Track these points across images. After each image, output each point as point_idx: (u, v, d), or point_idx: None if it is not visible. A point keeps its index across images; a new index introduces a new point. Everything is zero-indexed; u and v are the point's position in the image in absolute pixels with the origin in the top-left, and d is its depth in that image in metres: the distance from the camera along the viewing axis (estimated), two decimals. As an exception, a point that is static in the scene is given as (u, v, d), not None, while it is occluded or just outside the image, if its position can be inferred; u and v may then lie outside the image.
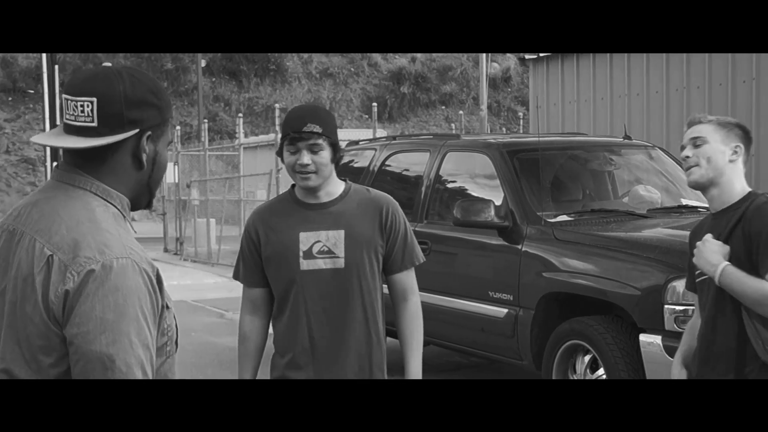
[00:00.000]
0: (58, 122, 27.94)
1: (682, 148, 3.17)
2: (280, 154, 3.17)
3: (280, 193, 12.81)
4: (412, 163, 7.51)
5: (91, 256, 1.80)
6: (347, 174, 8.32)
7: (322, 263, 3.12)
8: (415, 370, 3.32)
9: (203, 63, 33.94)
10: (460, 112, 22.89)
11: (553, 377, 5.69)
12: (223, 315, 11.58)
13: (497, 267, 6.24)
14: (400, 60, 38.80)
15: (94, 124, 1.88)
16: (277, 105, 16.74)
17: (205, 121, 21.08)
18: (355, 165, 8.22)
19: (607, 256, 5.50)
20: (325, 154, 3.07)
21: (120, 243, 1.84)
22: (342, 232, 3.12)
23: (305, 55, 38.09)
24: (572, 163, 7.02)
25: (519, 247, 6.00)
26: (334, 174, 3.19)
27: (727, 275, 2.96)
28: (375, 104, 17.15)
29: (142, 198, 2.01)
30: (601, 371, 5.39)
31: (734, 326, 3.01)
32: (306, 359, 3.17)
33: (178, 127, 22.58)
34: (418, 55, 39.05)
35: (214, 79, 35.76)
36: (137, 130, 1.90)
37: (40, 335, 1.81)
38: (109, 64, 2.04)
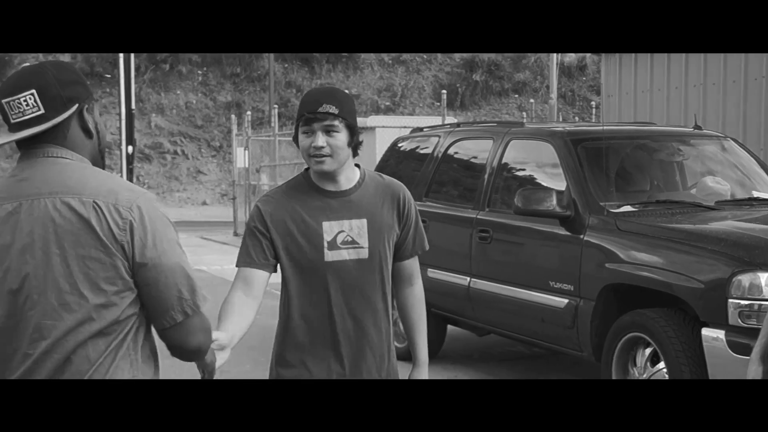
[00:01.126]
0: (133, 106, 28.49)
1: None
2: (295, 139, 2.99)
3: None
4: (475, 150, 7.44)
5: (129, 195, 2.15)
6: (413, 160, 8.30)
7: (345, 254, 2.99)
8: (424, 354, 3.26)
9: (276, 49, 34.17)
10: (531, 100, 22.65)
11: (613, 369, 5.59)
12: (287, 299, 11.63)
13: (558, 257, 6.14)
14: (474, 47, 38.52)
15: (42, 111, 2.14)
16: (345, 91, 16.76)
17: (276, 106, 21.22)
18: (419, 151, 8.19)
19: (671, 248, 5.37)
20: (342, 137, 2.91)
21: (133, 184, 2.22)
22: (365, 221, 3.01)
23: (378, 42, 38.04)
24: (639, 152, 6.87)
25: (581, 237, 5.90)
26: (351, 159, 3.04)
27: None
28: (444, 92, 17.06)
29: (98, 165, 2.29)
30: (661, 365, 5.27)
31: None
32: (327, 352, 3.03)
33: (249, 113, 22.76)
34: (492, 42, 38.69)
35: (286, 65, 35.97)
36: (76, 105, 2.20)
37: (104, 268, 2.10)
38: (29, 63, 2.23)
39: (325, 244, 2.98)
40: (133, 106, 30.14)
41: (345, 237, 3.00)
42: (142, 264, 2.11)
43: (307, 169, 3.08)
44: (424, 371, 3.26)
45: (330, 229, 2.99)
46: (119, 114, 29.80)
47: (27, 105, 2.12)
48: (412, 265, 3.20)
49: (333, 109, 2.87)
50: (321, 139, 2.89)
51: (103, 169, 2.31)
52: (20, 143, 2.20)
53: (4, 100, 2.13)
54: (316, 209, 2.99)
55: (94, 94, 2.29)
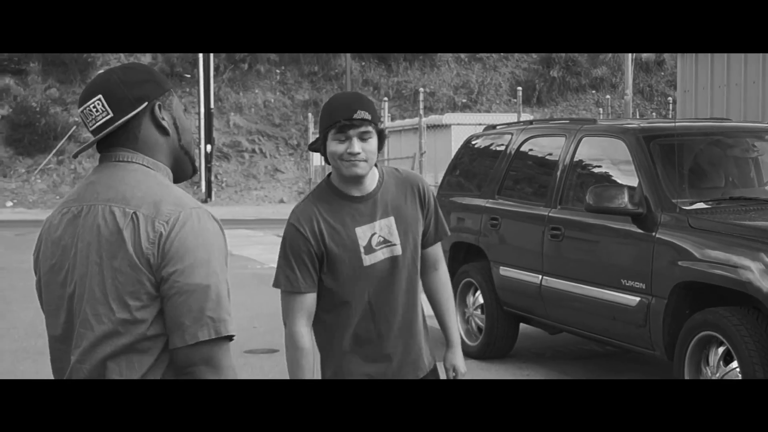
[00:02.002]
0: (212, 105, 28.90)
1: None
2: (317, 147, 3.02)
3: (424, 175, 12.87)
4: (547, 147, 7.45)
5: (172, 209, 2.09)
6: (486, 157, 8.34)
7: (381, 254, 3.06)
8: (456, 336, 3.36)
9: (353, 47, 34.38)
10: (607, 96, 22.40)
11: (686, 368, 5.55)
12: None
13: (630, 254, 6.12)
14: (550, 43, 38.20)
15: (111, 115, 2.16)
16: (421, 89, 16.82)
17: (352, 104, 21.38)
18: (492, 149, 8.22)
19: (745, 246, 5.31)
20: (374, 142, 2.97)
21: (188, 197, 2.15)
22: (392, 219, 3.07)
23: (454, 39, 37.99)
24: (713, 149, 6.80)
25: (653, 234, 5.87)
26: None
27: None
28: (519, 88, 17.00)
29: (184, 165, 2.29)
30: (734, 364, 5.23)
31: None
32: (377, 353, 3.11)
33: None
34: (569, 38, 38.33)
35: (363, 63, 36.18)
36: (146, 103, 2.19)
37: (130, 282, 2.06)
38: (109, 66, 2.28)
39: (362, 250, 3.04)
40: (212, 105, 30.73)
41: (378, 238, 3.06)
42: (162, 278, 2.05)
43: (329, 176, 3.12)
44: (458, 351, 3.36)
45: (363, 234, 3.05)
46: (198, 113, 30.41)
47: (97, 111, 2.16)
48: (437, 250, 3.30)
49: (366, 116, 2.93)
50: (357, 146, 2.93)
51: (192, 166, 2.29)
52: (99, 148, 2.23)
53: (80, 110, 2.20)
54: (347, 216, 3.04)
55: (175, 93, 2.27)
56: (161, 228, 2.06)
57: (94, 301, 2.08)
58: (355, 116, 2.90)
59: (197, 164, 2.35)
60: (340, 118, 2.92)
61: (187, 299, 2.03)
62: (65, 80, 33.14)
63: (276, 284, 3.06)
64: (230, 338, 2.09)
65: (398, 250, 3.09)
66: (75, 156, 2.30)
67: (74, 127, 30.97)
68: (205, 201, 29.29)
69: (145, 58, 32.51)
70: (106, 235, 2.09)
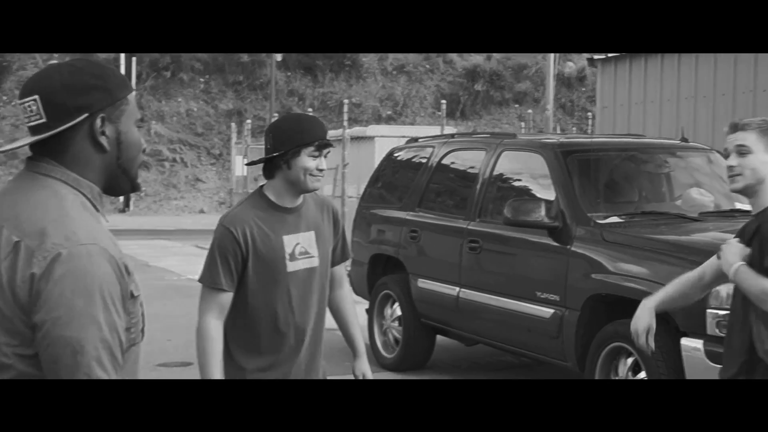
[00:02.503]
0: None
1: (726, 154, 3.26)
2: (286, 159, 3.30)
3: (347, 188, 12.83)
4: (468, 161, 7.54)
5: (58, 242, 1.82)
6: (408, 170, 8.40)
7: (301, 263, 3.37)
8: (362, 345, 3.69)
9: (279, 57, 34.30)
10: (529, 110, 22.75)
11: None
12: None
13: (545, 267, 6.23)
14: (476, 57, 38.66)
15: (44, 120, 1.92)
16: (345, 100, 16.85)
17: (275, 114, 21.34)
18: (414, 161, 8.29)
19: (653, 259, 5.46)
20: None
21: (87, 230, 1.87)
22: (313, 233, 3.41)
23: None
24: (628, 164, 6.98)
25: (568, 247, 5.99)
26: None
27: (739, 274, 3.12)
28: (444, 102, 17.15)
29: (119, 181, 2.03)
30: (642, 374, 5.36)
31: (748, 328, 3.13)
32: (291, 355, 3.39)
33: (249, 121, 22.88)
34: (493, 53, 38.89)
35: (289, 74, 36.09)
36: (86, 115, 1.92)
37: (5, 319, 1.83)
38: (55, 62, 2.08)
39: (287, 256, 3.35)
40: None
41: (300, 248, 3.38)
42: (35, 324, 1.81)
43: (261, 187, 3.43)
44: (365, 359, 3.67)
45: (289, 242, 3.36)
46: (121, 121, 29.93)
47: (31, 111, 1.92)
48: (342, 270, 3.68)
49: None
50: (324, 162, 3.33)
51: (132, 184, 2.04)
52: (31, 148, 2.00)
53: (18, 102, 1.97)
54: (277, 224, 3.36)
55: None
56: (36, 266, 1.80)
57: None
58: (328, 137, 3.34)
59: (138, 182, 2.05)
60: (318, 138, 3.30)
61: (61, 353, 1.79)
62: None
63: (200, 279, 3.34)
64: None
65: (316, 262, 3.41)
66: (1, 152, 2.09)
67: (-9, 133, 30.22)
68: (123, 210, 28.83)
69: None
70: None
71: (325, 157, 3.35)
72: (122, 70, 28.37)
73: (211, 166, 33.32)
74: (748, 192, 3.22)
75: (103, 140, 1.95)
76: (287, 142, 3.27)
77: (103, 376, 1.81)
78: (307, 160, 3.28)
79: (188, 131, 33.91)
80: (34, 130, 1.93)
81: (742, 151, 3.18)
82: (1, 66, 31.99)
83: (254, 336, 3.36)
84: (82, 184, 1.96)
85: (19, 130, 29.35)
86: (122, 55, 26.93)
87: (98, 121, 1.94)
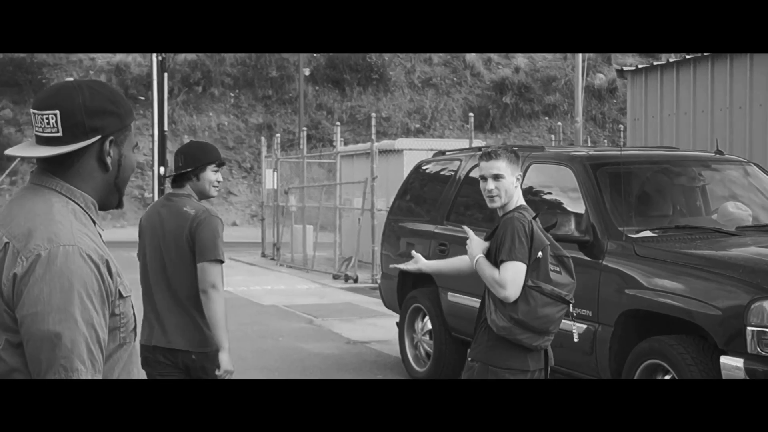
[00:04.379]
0: (165, 128, 28.71)
1: (484, 178, 4.23)
2: (197, 174, 4.42)
3: (376, 201, 12.89)
4: (496, 174, 7.42)
5: (40, 243, 1.98)
6: (436, 183, 8.31)
7: None
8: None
9: (307, 72, 34.37)
10: (559, 123, 22.58)
11: (631, 397, 5.54)
12: (312, 321, 11.65)
13: (576, 282, 6.09)
14: (504, 70, 38.55)
15: (59, 134, 2.06)
16: (373, 114, 16.80)
17: (304, 129, 21.30)
18: (442, 174, 8.20)
19: (689, 274, 5.32)
20: None
21: (69, 233, 2.00)
22: None
23: (408, 64, 38.19)
24: (661, 177, 6.83)
25: (599, 261, 5.87)
26: None
27: (478, 264, 4.21)
28: (471, 114, 17.05)
29: (111, 197, 2.19)
30: (679, 393, 5.22)
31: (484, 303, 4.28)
32: None
33: (278, 135, 22.90)
34: (522, 65, 38.72)
35: (317, 88, 36.17)
36: (99, 137, 2.09)
37: None
38: (71, 79, 2.13)
39: None
40: (166, 127, 30.46)
41: None
42: (18, 320, 1.96)
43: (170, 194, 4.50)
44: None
45: None
46: (152, 135, 30.13)
47: (48, 124, 2.06)
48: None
49: None
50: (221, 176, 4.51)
51: (119, 202, 2.21)
52: (38, 160, 2.15)
53: (32, 110, 2.11)
54: None
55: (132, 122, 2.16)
56: (19, 266, 1.95)
57: None
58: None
59: (123, 199, 2.23)
60: (219, 159, 4.47)
61: (40, 347, 1.92)
62: (19, 101, 32.77)
63: (216, 257, 4.27)
64: None
65: None
66: (8, 158, 2.19)
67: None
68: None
69: (97, 76, 32.24)
70: None
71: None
72: (154, 86, 28.68)
73: (243, 180, 33.44)
74: (501, 207, 4.25)
75: (108, 160, 2.13)
76: (200, 160, 4.39)
77: (81, 368, 1.93)
78: (213, 174, 4.42)
79: (219, 145, 34.07)
80: (46, 141, 2.08)
81: (498, 177, 4.18)
82: (40, 82, 32.44)
83: None
84: (75, 194, 2.11)
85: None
86: (154, 70, 27.14)
87: (107, 144, 2.11)
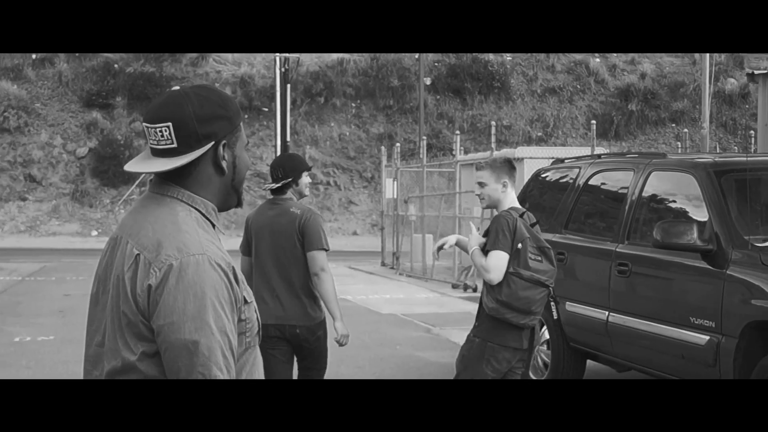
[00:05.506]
0: (288, 138, 29.28)
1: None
2: (296, 181, 5.27)
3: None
4: (615, 182, 7.29)
5: (171, 253, 2.01)
6: (554, 191, 8.20)
7: None
8: None
9: (428, 81, 34.47)
10: (685, 130, 21.96)
11: (757, 412, 5.33)
12: (429, 330, 11.65)
13: (699, 292, 5.93)
14: (629, 77, 37.79)
15: (174, 145, 2.10)
16: (493, 122, 16.72)
17: (424, 138, 21.35)
18: (561, 182, 8.09)
19: (819, 285, 5.09)
20: None
21: (197, 242, 2.04)
22: None
23: (530, 72, 37.87)
24: (789, 184, 6.56)
25: (723, 271, 5.67)
26: None
27: (473, 254, 5.04)
28: (594, 122, 16.77)
29: (230, 199, 2.22)
30: (808, 408, 4.99)
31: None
32: None
33: (398, 144, 23.02)
34: (648, 70, 37.87)
35: (438, 97, 36.23)
36: (212, 143, 2.12)
37: (133, 324, 2.02)
38: (177, 88, 2.19)
39: None
40: (289, 138, 31.07)
41: None
42: (155, 330, 2.00)
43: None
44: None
45: None
46: (275, 146, 30.77)
47: (162, 136, 2.09)
48: None
49: None
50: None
51: (238, 202, 2.23)
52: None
53: (144, 124, 2.15)
54: None
55: (253, 126, 2.15)
56: (153, 277, 2.00)
57: (113, 336, 2.07)
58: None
59: (242, 199, 2.25)
60: (309, 166, 5.34)
61: (178, 355, 1.97)
62: (148, 114, 33.93)
63: (322, 246, 5.16)
64: None
65: None
66: (126, 168, 2.24)
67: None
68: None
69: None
70: (118, 273, 2.07)
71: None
72: (277, 97, 29.32)
73: (364, 189, 33.76)
74: (489, 208, 5.20)
75: (223, 164, 2.15)
76: (298, 170, 5.21)
77: (218, 374, 1.97)
78: (307, 178, 5.29)
79: (341, 155, 34.51)
80: (161, 153, 2.11)
81: (482, 185, 5.04)
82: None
83: None
84: (196, 201, 2.15)
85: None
86: (278, 82, 27.75)
87: (221, 148, 2.14)
